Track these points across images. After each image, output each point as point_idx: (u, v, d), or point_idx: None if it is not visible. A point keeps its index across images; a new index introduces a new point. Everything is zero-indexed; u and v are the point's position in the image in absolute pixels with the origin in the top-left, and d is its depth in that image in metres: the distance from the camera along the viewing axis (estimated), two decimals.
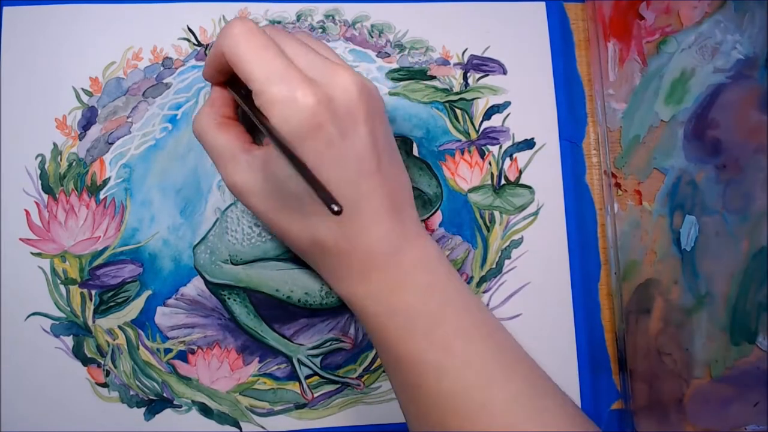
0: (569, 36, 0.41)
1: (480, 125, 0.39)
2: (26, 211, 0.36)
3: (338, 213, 0.23)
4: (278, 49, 0.27)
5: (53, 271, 0.36)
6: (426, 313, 0.28)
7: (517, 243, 0.39)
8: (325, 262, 0.29)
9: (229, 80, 0.31)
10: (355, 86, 0.27)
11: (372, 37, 0.40)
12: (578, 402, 0.38)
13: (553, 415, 0.28)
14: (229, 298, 0.37)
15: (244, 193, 0.29)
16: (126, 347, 0.36)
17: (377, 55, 0.39)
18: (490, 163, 0.39)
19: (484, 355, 0.28)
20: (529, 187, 0.39)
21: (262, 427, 0.36)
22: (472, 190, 0.39)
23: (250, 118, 0.29)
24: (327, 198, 0.23)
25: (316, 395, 0.37)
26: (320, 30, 0.39)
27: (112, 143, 0.37)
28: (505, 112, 0.40)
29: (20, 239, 0.36)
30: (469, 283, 0.38)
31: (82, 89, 0.37)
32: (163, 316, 0.36)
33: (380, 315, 0.28)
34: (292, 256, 0.37)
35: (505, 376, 0.28)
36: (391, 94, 0.39)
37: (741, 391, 0.38)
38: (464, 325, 0.29)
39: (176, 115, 0.38)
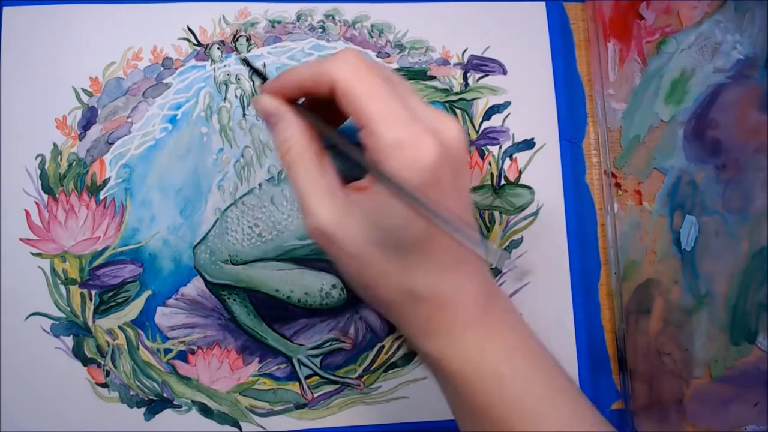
0: (569, 36, 0.41)
1: (480, 125, 0.39)
2: (26, 211, 0.36)
3: (500, 265, 0.22)
4: (394, 89, 0.25)
5: (53, 271, 0.36)
6: (516, 380, 0.27)
7: (517, 243, 0.39)
8: (415, 317, 0.27)
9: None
10: (463, 137, 0.26)
11: (372, 37, 0.40)
12: None
13: None
14: (229, 298, 0.37)
15: (335, 234, 0.26)
16: (126, 347, 0.36)
17: (377, 55, 0.39)
18: (490, 164, 0.39)
19: (570, 422, 0.27)
20: (529, 187, 0.39)
21: (262, 427, 0.36)
22: (472, 190, 0.39)
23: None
24: (485, 250, 0.23)
25: (316, 395, 0.37)
26: (320, 30, 0.39)
27: (112, 143, 0.37)
28: (505, 112, 0.40)
29: (20, 239, 0.36)
30: None
31: (82, 89, 0.37)
32: (163, 316, 0.36)
33: (469, 378, 0.27)
34: (294, 256, 0.37)
35: None
36: None
37: (741, 391, 0.38)
38: (550, 390, 0.28)
39: (176, 115, 0.38)
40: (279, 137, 0.28)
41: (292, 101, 0.28)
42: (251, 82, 0.38)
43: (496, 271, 0.38)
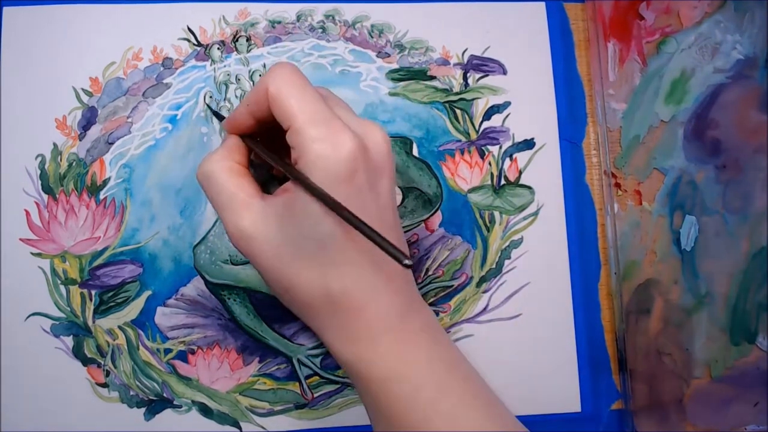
0: (569, 36, 0.41)
1: (480, 125, 0.39)
2: (26, 211, 0.36)
3: (410, 267, 0.23)
4: (321, 96, 0.27)
5: (53, 271, 0.36)
6: (433, 382, 0.28)
7: (517, 243, 0.39)
8: (333, 321, 0.28)
9: (248, 133, 0.30)
10: (386, 143, 0.28)
11: (372, 37, 0.40)
12: (578, 402, 0.38)
13: None
14: (229, 298, 0.37)
15: (253, 239, 0.28)
16: (126, 347, 0.36)
17: (377, 55, 0.39)
18: (490, 164, 0.39)
19: (485, 426, 0.28)
20: (529, 188, 0.39)
21: (262, 427, 0.36)
22: (472, 190, 0.39)
23: (259, 170, 0.28)
24: (395, 251, 0.23)
25: (316, 395, 0.37)
26: (320, 30, 0.39)
27: (112, 143, 0.37)
28: (505, 113, 0.40)
29: (20, 239, 0.36)
30: (468, 283, 0.38)
31: (82, 89, 0.37)
32: (163, 316, 0.36)
33: (387, 380, 0.28)
34: None
35: None
36: (391, 94, 0.39)
37: (741, 391, 0.38)
38: (468, 395, 0.29)
39: (176, 115, 0.38)
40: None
41: (249, 127, 0.30)
42: (251, 82, 0.38)
43: (497, 271, 0.38)
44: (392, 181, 0.29)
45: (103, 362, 0.36)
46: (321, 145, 0.26)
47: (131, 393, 0.36)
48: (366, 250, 0.27)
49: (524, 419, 0.37)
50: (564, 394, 0.38)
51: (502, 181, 0.39)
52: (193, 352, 0.36)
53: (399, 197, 0.38)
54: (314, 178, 0.26)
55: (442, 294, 0.38)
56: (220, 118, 0.37)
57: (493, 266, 0.39)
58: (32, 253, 0.36)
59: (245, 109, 0.29)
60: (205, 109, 0.38)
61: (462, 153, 0.39)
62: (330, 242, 0.26)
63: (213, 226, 0.37)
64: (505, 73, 0.40)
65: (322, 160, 0.26)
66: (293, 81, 0.27)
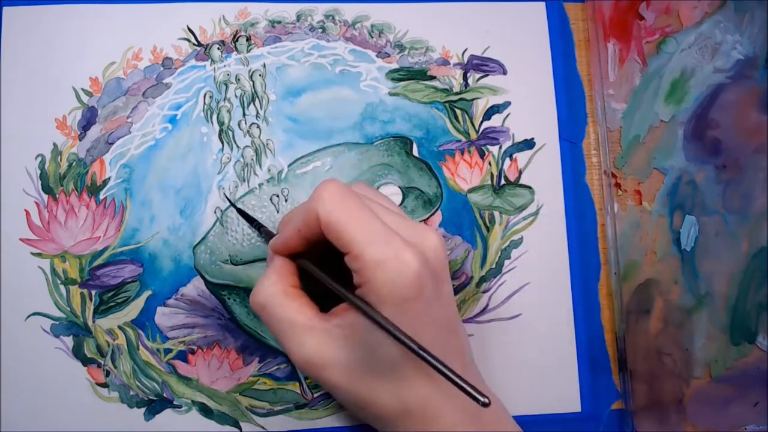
0: (569, 36, 0.41)
1: (480, 125, 0.39)
2: (26, 211, 0.36)
3: (487, 405, 0.22)
4: (372, 210, 0.27)
5: (53, 271, 0.36)
6: None
7: (517, 243, 0.39)
8: (408, 426, 0.28)
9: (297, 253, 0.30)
10: (442, 246, 0.28)
11: (372, 37, 0.40)
12: (578, 402, 0.38)
13: None
14: (229, 298, 0.37)
15: (321, 365, 0.27)
16: (126, 347, 0.36)
17: (377, 55, 0.39)
18: (489, 164, 0.39)
19: None
20: (529, 187, 0.39)
21: (262, 427, 0.36)
22: (472, 190, 0.39)
23: (315, 289, 0.28)
24: (473, 391, 0.23)
25: (316, 395, 0.37)
26: (320, 30, 0.39)
27: (112, 143, 0.37)
28: (505, 112, 0.40)
29: (20, 239, 0.36)
30: (468, 283, 0.38)
31: (82, 89, 0.37)
32: (163, 317, 0.36)
33: None
34: None
35: None
36: (391, 94, 0.39)
37: (741, 391, 0.38)
38: None
39: (176, 115, 0.38)
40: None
41: (301, 247, 0.29)
42: (251, 82, 0.38)
43: (497, 271, 0.38)
44: (450, 282, 0.28)
45: (103, 362, 0.36)
46: (385, 270, 0.25)
47: (131, 393, 0.36)
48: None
49: (524, 419, 0.37)
50: (564, 394, 0.38)
51: (502, 181, 0.39)
52: (193, 352, 0.36)
53: (399, 197, 0.38)
54: (382, 302, 0.25)
55: None
56: (250, 220, 0.35)
57: (493, 266, 0.39)
58: (32, 253, 0.36)
59: (296, 234, 0.28)
60: (225, 201, 0.37)
61: (462, 153, 0.39)
62: (401, 362, 0.26)
63: (213, 226, 0.37)
64: (505, 73, 0.40)
65: (389, 285, 0.25)
66: (344, 203, 0.26)
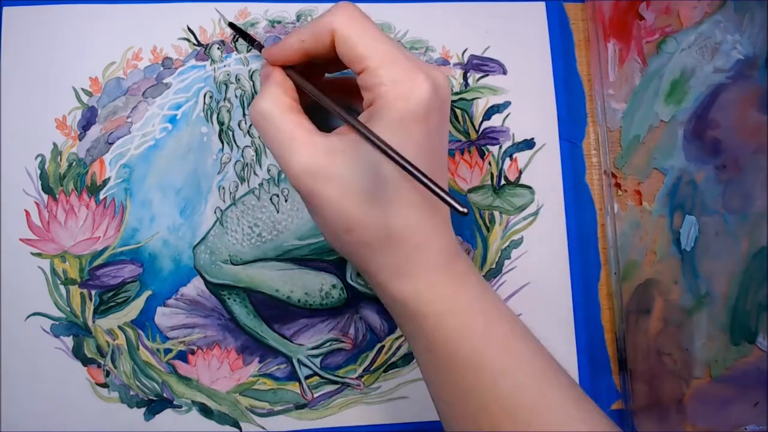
0: (569, 36, 0.41)
1: (480, 125, 0.39)
2: (26, 211, 0.36)
3: (465, 214, 0.23)
4: (386, 35, 0.27)
5: (53, 271, 0.36)
6: (485, 312, 0.28)
7: (516, 243, 0.39)
8: (390, 259, 0.28)
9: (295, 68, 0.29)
10: (448, 83, 0.28)
11: None
12: None
13: (598, 415, 0.28)
14: (229, 299, 0.37)
15: (319, 175, 0.27)
16: (126, 347, 0.36)
17: None
18: (489, 163, 0.39)
19: (536, 356, 0.28)
20: (529, 187, 0.39)
21: (262, 428, 0.36)
22: (472, 190, 0.39)
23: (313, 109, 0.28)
24: (454, 202, 0.23)
25: (316, 395, 0.37)
26: None
27: (112, 143, 0.37)
28: (505, 112, 0.40)
29: (20, 239, 0.36)
30: None
31: (82, 89, 0.37)
32: (163, 317, 0.36)
33: (442, 315, 0.28)
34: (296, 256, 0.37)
35: (556, 377, 0.28)
36: None
37: (741, 391, 0.38)
38: (518, 325, 0.29)
39: (176, 115, 0.38)
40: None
41: (298, 61, 0.29)
42: (251, 82, 0.38)
43: (497, 271, 0.38)
44: (449, 125, 0.29)
45: (103, 362, 0.36)
46: (400, 86, 0.25)
47: (131, 393, 0.36)
48: (426, 191, 0.26)
49: None
50: None
51: (502, 181, 0.39)
52: (193, 352, 0.36)
53: None
54: (391, 119, 0.26)
55: None
56: (251, 41, 0.34)
57: (493, 266, 0.39)
58: (32, 253, 0.36)
59: (298, 43, 0.27)
60: (226, 25, 0.37)
61: (462, 153, 0.39)
62: (393, 183, 0.26)
63: (213, 226, 0.37)
64: (505, 73, 0.40)
65: (402, 101, 0.25)
66: (362, 21, 0.26)
